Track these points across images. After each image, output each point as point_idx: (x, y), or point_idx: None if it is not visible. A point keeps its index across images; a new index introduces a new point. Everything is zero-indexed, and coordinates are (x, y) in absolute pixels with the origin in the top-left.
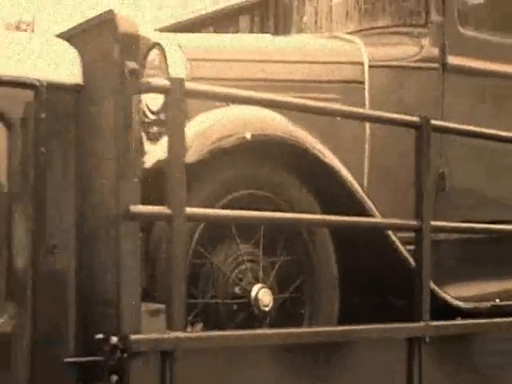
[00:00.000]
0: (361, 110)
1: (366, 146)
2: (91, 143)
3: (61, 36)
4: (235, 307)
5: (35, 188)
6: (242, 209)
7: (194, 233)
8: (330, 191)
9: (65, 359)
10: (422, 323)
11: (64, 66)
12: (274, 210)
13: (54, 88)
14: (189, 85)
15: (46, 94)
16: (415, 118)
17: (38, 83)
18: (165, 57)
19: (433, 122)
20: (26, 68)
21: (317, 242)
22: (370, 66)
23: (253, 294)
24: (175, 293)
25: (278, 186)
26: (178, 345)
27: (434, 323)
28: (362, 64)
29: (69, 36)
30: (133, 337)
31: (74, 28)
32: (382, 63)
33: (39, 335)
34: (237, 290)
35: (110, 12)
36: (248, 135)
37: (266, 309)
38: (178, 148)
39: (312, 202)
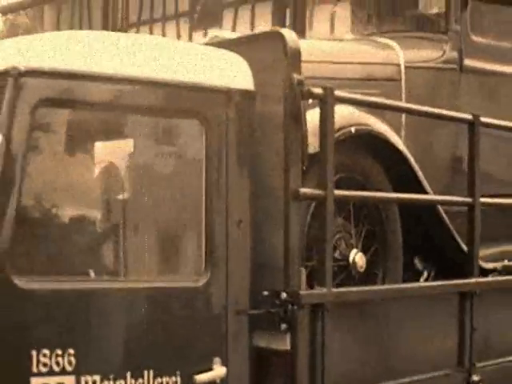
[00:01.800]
0: (425, 108)
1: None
2: (264, 139)
3: (221, 45)
4: (336, 269)
5: (226, 175)
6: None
7: (309, 209)
8: (400, 174)
9: (248, 311)
10: (473, 279)
11: (241, 75)
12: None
13: (238, 93)
14: (337, 92)
15: (233, 99)
16: (469, 116)
17: (229, 90)
18: None
19: (482, 119)
20: (214, 77)
21: (389, 215)
22: (406, 67)
23: (351, 257)
24: (327, 257)
25: (365, 170)
26: (339, 297)
27: (483, 279)
28: (399, 65)
29: (232, 47)
30: (301, 292)
31: (236, 40)
32: (414, 64)
33: (229, 292)
34: (337, 254)
35: (276, 28)
36: (353, 129)
37: (361, 270)
38: (328, 142)
39: (387, 184)
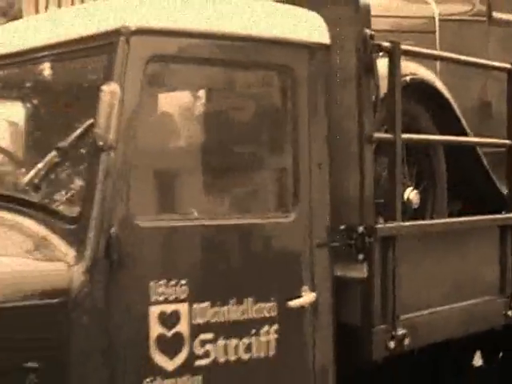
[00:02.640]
0: (468, 58)
1: None
2: (339, 89)
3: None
4: None
5: (308, 122)
6: None
7: None
8: (445, 119)
9: (329, 244)
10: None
11: (319, 30)
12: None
13: (317, 47)
14: (404, 47)
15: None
16: (508, 65)
17: (310, 43)
18: None
19: None
20: (297, 32)
21: (437, 157)
22: (440, 20)
23: (405, 195)
24: (397, 195)
25: (415, 116)
26: (409, 230)
27: None
28: (434, 18)
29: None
30: (377, 226)
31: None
32: (447, 17)
33: (313, 227)
34: None
35: None
36: (408, 79)
37: (416, 206)
38: (396, 91)
39: (434, 129)
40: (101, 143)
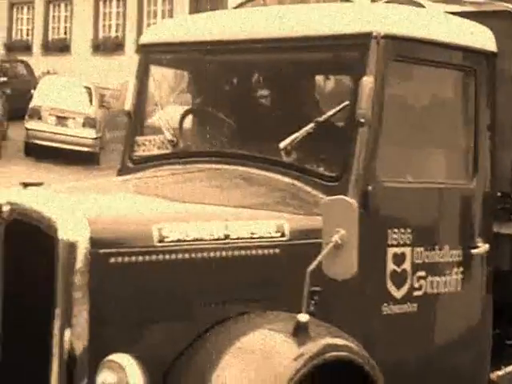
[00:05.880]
0: None
1: None
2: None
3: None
4: None
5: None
6: None
7: None
8: None
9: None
10: None
11: (490, 41)
12: None
13: (490, 54)
14: None
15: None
16: None
17: (486, 51)
18: None
19: None
20: (478, 41)
21: None
22: None
23: None
24: None
25: None
26: None
27: None
28: None
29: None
30: None
31: (468, 12)
32: None
33: (483, 192)
34: None
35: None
36: None
37: None
38: None
39: None
40: (362, 120)
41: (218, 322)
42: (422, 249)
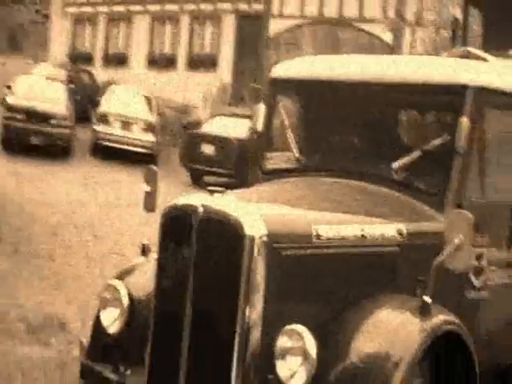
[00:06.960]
0: None
1: None
2: None
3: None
4: None
5: None
6: None
7: None
8: None
9: None
10: None
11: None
12: None
13: None
14: None
15: None
16: None
17: None
18: None
19: None
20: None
21: None
22: None
23: None
24: None
25: None
26: None
27: None
28: None
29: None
30: None
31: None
32: None
33: None
34: None
35: None
36: None
37: None
38: None
39: None
40: (460, 150)
41: (356, 301)
42: (493, 249)
